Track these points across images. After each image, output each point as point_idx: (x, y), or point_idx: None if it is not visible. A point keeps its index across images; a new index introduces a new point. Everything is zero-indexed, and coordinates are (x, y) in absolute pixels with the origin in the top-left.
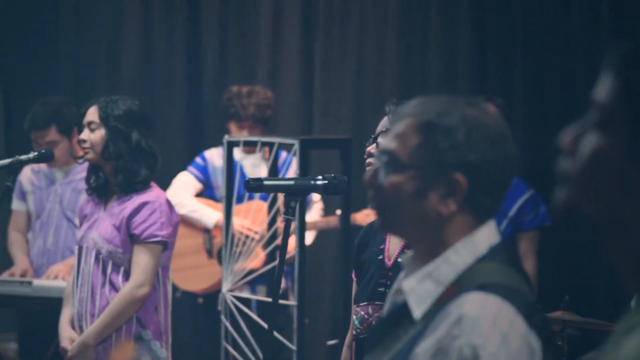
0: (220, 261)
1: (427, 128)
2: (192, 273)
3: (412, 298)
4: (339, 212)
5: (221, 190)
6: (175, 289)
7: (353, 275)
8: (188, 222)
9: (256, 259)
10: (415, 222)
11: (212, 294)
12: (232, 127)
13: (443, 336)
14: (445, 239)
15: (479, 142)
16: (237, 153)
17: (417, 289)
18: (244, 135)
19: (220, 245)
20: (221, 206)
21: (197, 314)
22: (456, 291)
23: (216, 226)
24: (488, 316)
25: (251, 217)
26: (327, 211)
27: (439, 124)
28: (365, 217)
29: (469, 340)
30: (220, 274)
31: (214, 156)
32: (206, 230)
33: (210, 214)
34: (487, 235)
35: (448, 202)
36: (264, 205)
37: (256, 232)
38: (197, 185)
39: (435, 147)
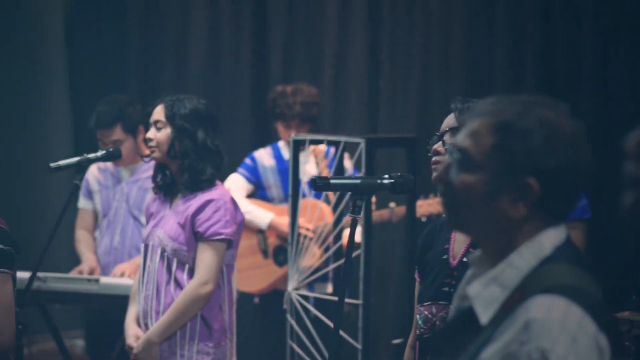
0: (276, 261)
1: (503, 129)
2: (249, 274)
3: (478, 303)
4: (392, 204)
5: (273, 190)
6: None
7: (416, 275)
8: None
9: (312, 257)
10: (484, 223)
11: (268, 293)
12: (280, 127)
13: (511, 341)
14: (513, 242)
15: (555, 147)
16: (287, 152)
17: (483, 294)
18: (310, 135)
19: (275, 245)
20: (273, 206)
21: (254, 313)
22: (522, 295)
23: (269, 227)
24: (555, 319)
25: (308, 215)
26: (380, 204)
27: (514, 126)
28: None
29: (537, 344)
30: (277, 273)
31: (263, 156)
32: (260, 231)
33: (263, 214)
34: (552, 236)
35: (518, 206)
36: (318, 203)
37: (311, 230)
38: (248, 187)
39: (510, 149)
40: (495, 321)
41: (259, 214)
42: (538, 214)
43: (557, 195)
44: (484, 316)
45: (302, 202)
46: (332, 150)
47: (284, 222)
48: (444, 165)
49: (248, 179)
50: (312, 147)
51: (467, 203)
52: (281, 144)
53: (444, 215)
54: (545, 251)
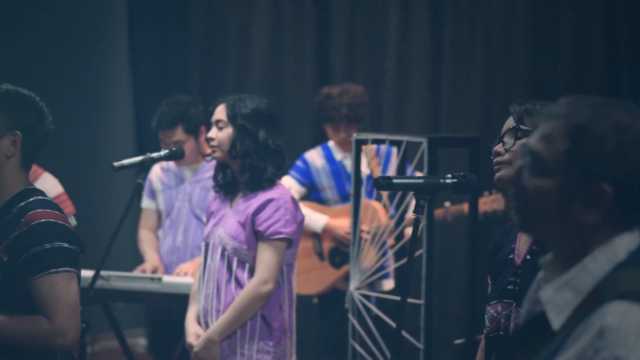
0: (332, 263)
1: (577, 133)
2: (305, 277)
3: (550, 308)
4: (447, 204)
5: (328, 192)
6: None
7: (488, 280)
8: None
9: (369, 259)
10: (556, 228)
11: (327, 293)
12: (328, 129)
13: (585, 348)
14: (586, 247)
15: (630, 153)
16: (338, 152)
17: (555, 299)
18: (343, 139)
19: (330, 247)
20: (327, 208)
21: (314, 313)
22: (596, 301)
23: (324, 230)
24: (631, 326)
25: (364, 217)
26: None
27: (589, 130)
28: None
29: (612, 352)
30: (334, 275)
31: (315, 158)
32: (314, 234)
33: (317, 218)
34: (626, 241)
35: (592, 212)
36: (372, 204)
37: (367, 232)
38: (301, 190)
39: (584, 155)
40: (567, 327)
41: (314, 217)
42: (612, 219)
43: (631, 200)
44: (556, 321)
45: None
46: (383, 148)
47: (338, 224)
48: (515, 168)
49: (300, 182)
50: (362, 146)
51: (539, 208)
52: (331, 144)
53: (509, 214)
54: (619, 256)
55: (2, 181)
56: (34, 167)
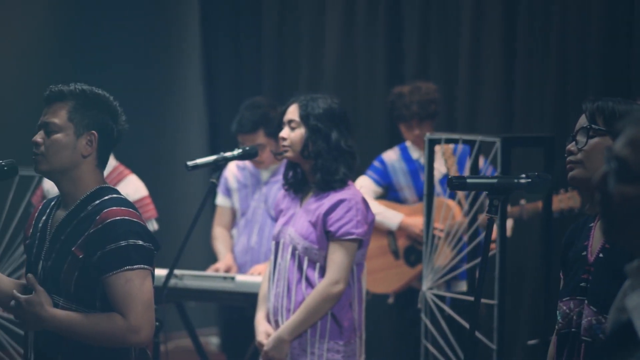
0: (407, 262)
1: None
2: (381, 275)
3: (637, 316)
4: (522, 201)
5: (406, 192)
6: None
7: (561, 275)
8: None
9: (444, 257)
10: None
11: (403, 293)
12: (402, 128)
13: None
14: None
15: None
16: (414, 151)
17: None
18: (418, 137)
19: (405, 246)
20: (402, 206)
21: (388, 313)
22: None
23: (399, 228)
24: None
25: (440, 215)
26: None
27: None
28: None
29: None
30: (409, 274)
31: (392, 158)
32: (390, 233)
33: (392, 215)
34: None
35: None
36: (448, 202)
37: (440, 230)
38: (377, 190)
39: None
40: None
41: (389, 215)
42: None
43: None
44: None
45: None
46: (460, 148)
47: (413, 222)
48: (600, 174)
49: (377, 182)
50: (438, 145)
51: (625, 216)
52: (408, 143)
53: (584, 211)
54: None
55: (78, 180)
56: (121, 168)
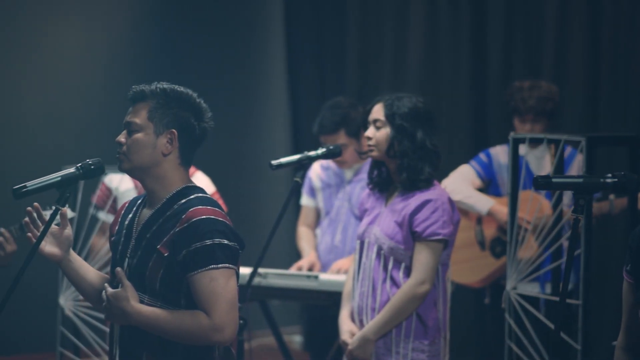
0: (493, 253)
1: None
2: (466, 266)
3: None
4: (611, 197)
5: (507, 188)
6: (480, 295)
7: (625, 276)
8: (464, 215)
9: (529, 249)
10: None
11: (500, 293)
12: (516, 122)
13: None
14: None
15: None
16: (522, 147)
17: None
18: (529, 133)
19: (492, 237)
20: (494, 197)
21: (484, 312)
22: None
23: (489, 213)
24: None
25: (527, 208)
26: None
27: None
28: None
29: None
30: (493, 265)
31: (500, 153)
32: (477, 223)
33: (484, 200)
34: None
35: None
36: (538, 197)
37: (528, 222)
38: (476, 181)
39: None
40: None
41: (481, 199)
42: None
43: None
44: None
45: (522, 194)
46: (569, 149)
47: (504, 210)
48: None
49: (478, 174)
50: (551, 145)
51: None
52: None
53: None
54: None
55: (161, 179)
56: None
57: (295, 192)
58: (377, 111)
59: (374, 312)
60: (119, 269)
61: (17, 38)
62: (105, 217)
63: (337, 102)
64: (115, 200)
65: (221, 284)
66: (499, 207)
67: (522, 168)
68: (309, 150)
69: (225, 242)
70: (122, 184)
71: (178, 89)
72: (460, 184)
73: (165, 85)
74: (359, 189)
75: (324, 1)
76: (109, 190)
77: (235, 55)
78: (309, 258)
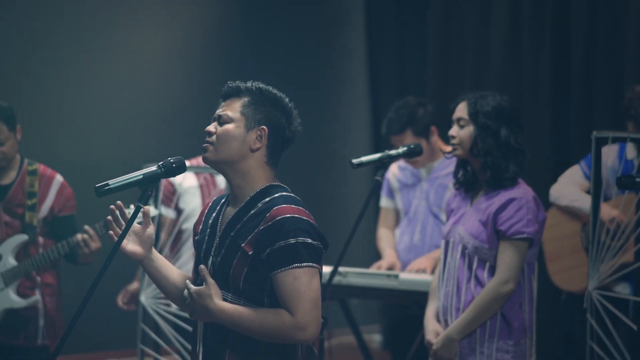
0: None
1: None
2: (574, 273)
3: None
4: None
5: (612, 190)
6: (560, 291)
7: None
8: (566, 220)
9: (628, 252)
10: None
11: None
12: (630, 126)
13: None
14: None
15: None
16: (631, 151)
17: None
18: (613, 132)
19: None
20: (609, 202)
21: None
22: None
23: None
24: None
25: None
26: None
27: None
28: None
29: None
30: None
31: (608, 155)
32: (582, 229)
33: (588, 199)
34: None
35: None
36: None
37: (613, 221)
38: (584, 183)
39: None
40: None
41: (586, 202)
42: None
43: None
44: None
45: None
46: None
47: (606, 209)
48: None
49: (586, 175)
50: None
51: None
52: (629, 144)
53: None
54: None
55: (246, 175)
56: None
57: (376, 192)
58: (461, 110)
59: (458, 312)
60: (202, 266)
61: (98, 37)
62: (166, 212)
63: (404, 101)
64: (178, 197)
65: (304, 283)
66: (605, 207)
67: (629, 172)
68: (390, 149)
69: (309, 241)
70: (185, 180)
71: (272, 90)
72: (566, 188)
73: (260, 84)
74: (436, 187)
75: (405, 1)
76: (172, 186)
77: (317, 57)
78: (389, 258)
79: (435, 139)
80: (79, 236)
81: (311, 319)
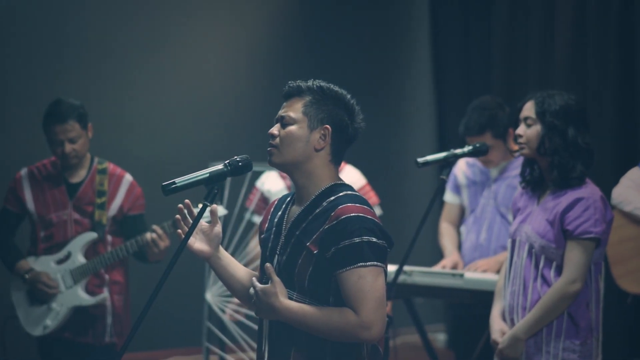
0: None
1: None
2: (639, 276)
3: None
4: None
5: None
6: (625, 294)
7: None
8: (626, 223)
9: None
10: None
11: None
12: None
13: None
14: None
15: None
16: None
17: None
18: None
19: None
20: None
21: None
22: None
23: None
24: None
25: None
26: None
27: None
28: None
29: None
30: None
31: None
32: None
33: None
34: None
35: None
36: None
37: None
38: None
39: None
40: None
41: None
42: None
43: None
44: None
45: None
46: None
47: None
48: None
49: None
50: None
51: None
52: None
53: None
54: None
55: (311, 174)
56: None
57: (441, 190)
58: (528, 109)
59: (524, 311)
60: (268, 264)
61: (165, 37)
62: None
63: (484, 102)
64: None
65: (369, 282)
66: None
67: None
68: (455, 148)
69: (374, 240)
70: (273, 185)
71: (334, 87)
72: (630, 193)
73: (322, 82)
74: (505, 187)
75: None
76: (262, 194)
77: (381, 54)
78: (452, 257)
79: (512, 140)
80: (148, 235)
81: (376, 318)
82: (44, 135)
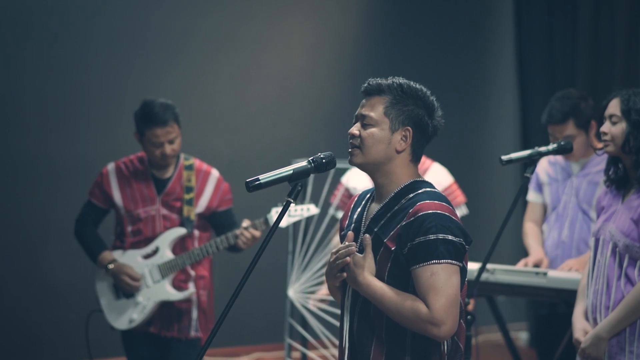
0: None
1: None
2: None
3: None
4: None
5: None
6: None
7: None
8: None
9: None
10: None
11: None
12: None
13: None
14: None
15: None
16: None
17: None
18: None
19: None
20: None
21: None
22: None
23: None
24: None
25: None
26: None
27: None
28: None
29: None
30: None
31: None
32: None
33: None
34: None
35: None
36: None
37: None
38: None
39: None
40: None
41: None
42: None
43: None
44: None
45: None
46: None
47: None
48: None
49: None
50: None
51: None
52: None
53: None
54: None
55: (391, 174)
56: (423, 159)
57: (525, 188)
58: (614, 106)
59: (607, 310)
60: (367, 235)
61: (248, 36)
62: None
63: (568, 92)
64: None
65: (442, 279)
66: None
67: None
68: (539, 145)
69: (450, 237)
70: (359, 182)
71: (413, 85)
72: None
73: (401, 80)
74: (586, 183)
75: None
76: (347, 190)
77: (465, 51)
78: (536, 254)
79: (594, 134)
80: (239, 232)
81: (447, 316)
82: (130, 133)
